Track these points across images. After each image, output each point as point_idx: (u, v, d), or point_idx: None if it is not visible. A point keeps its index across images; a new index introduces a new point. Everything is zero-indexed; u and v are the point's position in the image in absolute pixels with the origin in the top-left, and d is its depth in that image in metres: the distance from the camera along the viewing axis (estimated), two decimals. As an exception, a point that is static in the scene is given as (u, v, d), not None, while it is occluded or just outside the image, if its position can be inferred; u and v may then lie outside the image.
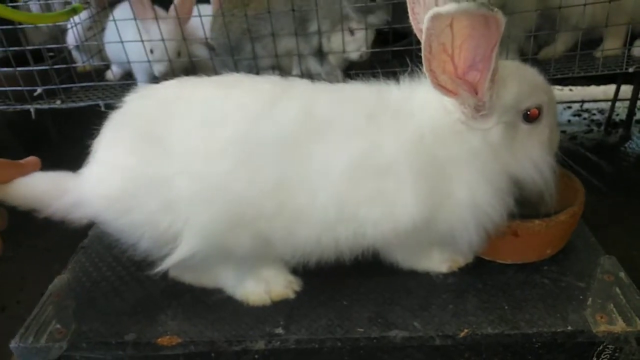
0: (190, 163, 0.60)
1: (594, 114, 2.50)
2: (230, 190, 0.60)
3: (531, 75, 0.66)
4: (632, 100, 2.27)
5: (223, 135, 0.60)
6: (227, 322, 0.68)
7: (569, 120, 2.47)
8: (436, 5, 0.60)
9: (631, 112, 2.29)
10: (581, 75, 1.08)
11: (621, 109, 2.37)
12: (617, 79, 2.26)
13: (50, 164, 0.68)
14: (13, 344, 0.66)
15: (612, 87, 2.38)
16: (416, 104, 0.64)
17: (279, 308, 0.69)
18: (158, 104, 0.65)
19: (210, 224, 0.60)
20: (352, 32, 1.01)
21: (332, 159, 0.60)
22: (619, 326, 0.63)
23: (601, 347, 0.64)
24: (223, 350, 0.66)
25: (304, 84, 0.68)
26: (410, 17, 0.66)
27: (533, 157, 0.65)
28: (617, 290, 0.68)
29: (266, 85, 0.66)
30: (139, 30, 1.09)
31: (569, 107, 2.58)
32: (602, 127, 2.36)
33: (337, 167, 0.60)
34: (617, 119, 2.40)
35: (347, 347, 0.65)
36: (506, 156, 0.64)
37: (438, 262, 0.73)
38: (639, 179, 1.98)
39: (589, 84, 2.50)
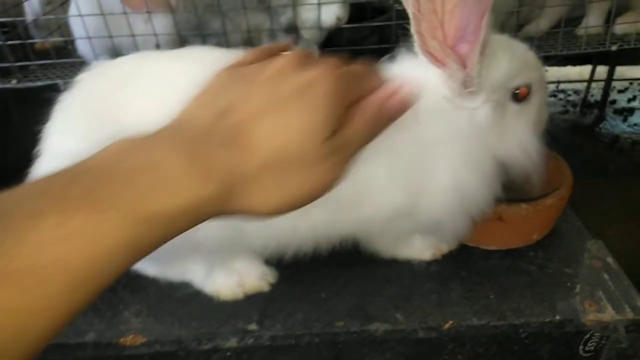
0: None
1: (570, 95, 2.51)
2: None
3: (522, 51, 0.62)
4: (607, 82, 2.27)
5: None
6: (195, 318, 0.63)
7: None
8: None
9: (606, 93, 2.30)
10: (563, 53, 1.05)
11: (596, 89, 2.38)
12: (593, 59, 2.26)
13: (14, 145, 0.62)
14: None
15: (587, 68, 2.39)
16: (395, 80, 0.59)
17: (252, 302, 0.65)
18: (112, 81, 0.59)
19: None
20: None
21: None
22: (608, 314, 0.61)
23: (588, 335, 0.62)
24: (192, 349, 0.61)
25: None
26: None
27: (521, 139, 0.61)
28: (606, 276, 0.66)
29: (218, 54, 0.61)
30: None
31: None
32: (578, 108, 2.37)
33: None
34: (592, 99, 2.41)
35: (326, 343, 0.61)
36: (493, 138, 0.60)
37: (420, 250, 0.69)
38: (612, 159, 2.00)
39: (564, 65, 2.49)
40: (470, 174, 0.59)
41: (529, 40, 1.08)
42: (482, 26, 0.52)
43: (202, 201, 0.35)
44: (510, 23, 1.12)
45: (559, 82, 2.54)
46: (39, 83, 1.13)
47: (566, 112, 2.36)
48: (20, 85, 1.13)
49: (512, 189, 0.66)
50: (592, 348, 0.64)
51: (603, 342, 0.63)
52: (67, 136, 0.57)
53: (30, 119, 0.64)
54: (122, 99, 0.57)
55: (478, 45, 0.54)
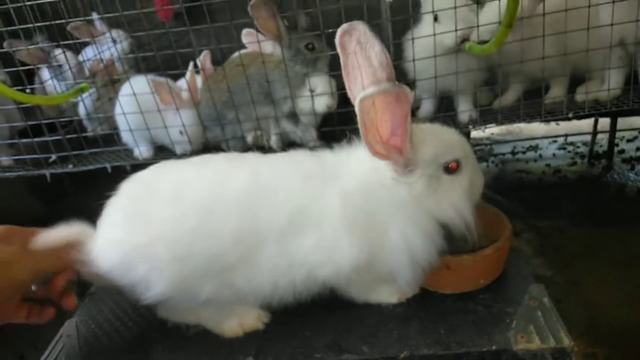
0: (164, 230, 0.74)
1: (579, 147, 2.61)
2: (196, 249, 0.73)
3: (446, 133, 0.80)
4: (611, 132, 2.38)
5: (187, 203, 0.75)
6: (206, 353, 0.80)
7: (554, 154, 2.59)
8: (362, 87, 0.74)
9: (611, 143, 2.40)
10: (527, 121, 1.21)
11: (604, 140, 2.48)
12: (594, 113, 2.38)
13: (69, 214, 0.82)
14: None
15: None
16: (345, 167, 0.78)
17: (250, 339, 0.81)
18: (142, 185, 0.80)
19: (182, 277, 0.74)
20: (312, 90, 1.17)
21: (275, 216, 0.74)
22: (535, 344, 0.74)
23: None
24: (203, 377, 0.78)
25: (254, 156, 0.83)
26: (349, 94, 0.80)
27: (455, 203, 0.78)
28: (539, 313, 0.79)
29: (222, 160, 0.82)
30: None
31: (555, 141, 2.70)
32: (586, 159, 2.47)
33: (279, 223, 0.74)
34: (600, 150, 2.51)
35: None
36: (431, 203, 0.77)
37: (387, 295, 0.85)
38: (619, 207, 2.08)
39: (570, 119, 2.62)
40: (415, 234, 0.76)
41: (497, 111, 1.26)
42: (407, 123, 0.71)
43: None
44: (481, 99, 1.30)
45: (566, 135, 2.66)
46: (91, 167, 1.38)
47: (574, 163, 2.47)
48: (75, 169, 1.39)
49: (457, 243, 0.82)
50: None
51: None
52: (112, 227, 0.78)
53: (82, 195, 0.85)
54: (147, 197, 0.78)
55: (407, 137, 0.72)
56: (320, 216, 0.75)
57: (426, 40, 1.11)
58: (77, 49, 1.56)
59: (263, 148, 1.28)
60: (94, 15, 1.62)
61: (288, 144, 1.30)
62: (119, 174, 0.84)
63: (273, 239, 0.75)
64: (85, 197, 0.87)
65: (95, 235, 0.79)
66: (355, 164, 0.79)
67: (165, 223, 0.74)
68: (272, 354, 0.79)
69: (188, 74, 1.27)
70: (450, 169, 0.78)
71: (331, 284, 0.79)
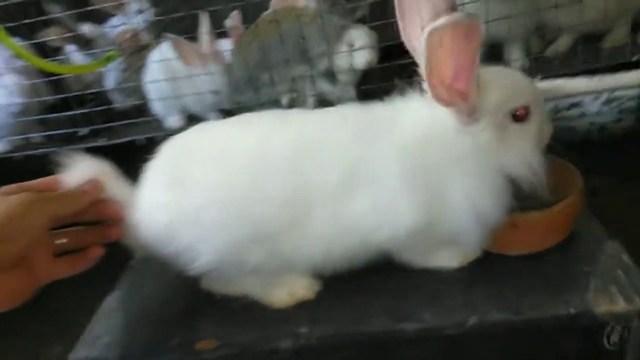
0: (211, 194, 0.69)
1: (624, 102, 2.46)
2: (245, 214, 0.68)
3: (514, 78, 0.72)
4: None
5: (234, 165, 0.70)
6: (255, 324, 0.75)
7: (598, 111, 2.44)
8: (421, 23, 0.66)
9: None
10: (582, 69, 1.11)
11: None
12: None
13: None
14: (72, 357, 0.76)
15: (641, 73, 2.34)
16: (402, 118, 0.71)
17: (302, 309, 0.76)
18: (184, 147, 0.75)
19: (229, 243, 0.69)
20: (351, 45, 1.09)
21: (325, 176, 0.68)
22: (620, 305, 0.66)
23: (609, 328, 0.68)
24: (254, 351, 0.73)
25: (299, 113, 0.77)
26: (404, 38, 0.72)
27: (524, 155, 0.70)
28: (619, 272, 0.71)
29: (265, 118, 0.76)
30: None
31: (597, 98, 2.54)
32: (632, 115, 2.32)
33: (330, 183, 0.68)
34: (647, 105, 2.35)
35: (365, 342, 0.72)
36: (498, 155, 0.69)
37: (448, 259, 0.78)
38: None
39: (616, 71, 2.46)
40: (481, 189, 0.69)
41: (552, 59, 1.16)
42: (474, 64, 0.63)
43: None
44: (533, 46, 1.20)
45: (611, 90, 2.50)
46: (123, 139, 1.34)
47: (620, 120, 2.32)
48: (109, 143, 1.35)
49: (525, 199, 0.74)
50: (616, 341, 0.69)
51: (626, 334, 0.69)
52: (155, 191, 0.73)
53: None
54: (191, 161, 0.72)
55: (474, 80, 0.65)
56: (375, 173, 0.68)
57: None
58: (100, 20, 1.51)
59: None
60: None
61: (326, 106, 1.22)
62: (150, 146, 0.79)
63: (324, 201, 0.69)
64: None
65: (136, 199, 0.74)
66: (411, 115, 0.71)
67: (212, 186, 0.69)
68: (326, 323, 0.73)
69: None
70: (519, 117, 0.70)
71: (387, 248, 0.73)
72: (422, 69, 0.69)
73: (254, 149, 0.71)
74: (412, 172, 0.68)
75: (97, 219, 0.73)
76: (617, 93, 2.54)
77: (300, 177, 0.69)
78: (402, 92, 0.75)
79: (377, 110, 0.74)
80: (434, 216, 0.70)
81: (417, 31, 0.68)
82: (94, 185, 0.71)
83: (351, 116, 0.74)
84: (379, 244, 0.71)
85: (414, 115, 0.71)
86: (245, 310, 0.78)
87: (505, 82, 0.70)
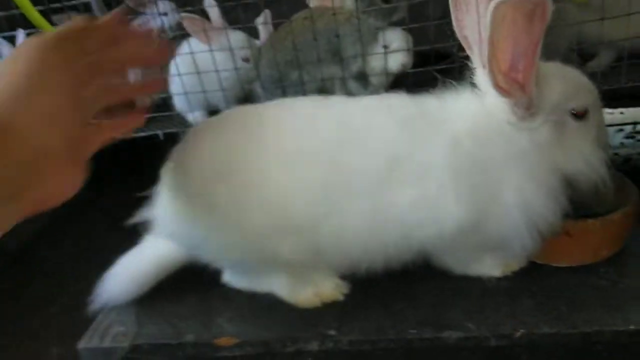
0: (247, 180, 0.65)
1: (649, 136, 2.42)
2: (284, 203, 0.64)
3: (575, 75, 0.67)
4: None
5: (273, 154, 0.65)
6: (280, 324, 0.69)
7: (622, 143, 2.40)
8: (477, 8, 0.62)
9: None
10: (629, 86, 1.06)
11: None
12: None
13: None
14: (80, 346, 0.70)
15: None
16: (453, 110, 0.66)
17: (329, 310, 0.70)
18: (214, 133, 0.70)
19: (265, 234, 0.64)
20: (386, 47, 1.05)
21: (368, 165, 0.63)
22: (685, 326, 0.60)
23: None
24: (277, 351, 0.67)
25: (341, 99, 0.73)
26: (455, 25, 0.68)
27: (584, 153, 0.65)
28: (682, 289, 0.66)
29: (305, 103, 0.72)
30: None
31: (621, 130, 2.50)
32: (659, 150, 2.28)
33: (373, 173, 0.63)
34: (674, 140, 2.31)
35: (400, 349, 0.65)
36: (556, 154, 0.64)
37: (490, 267, 0.72)
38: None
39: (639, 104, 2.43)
40: (535, 191, 0.63)
41: (592, 75, 1.12)
42: (536, 52, 0.59)
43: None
44: (572, 59, 1.16)
45: (635, 122, 2.47)
46: (142, 134, 1.30)
47: (645, 151, 2.28)
48: (127, 137, 1.31)
49: (581, 206, 0.69)
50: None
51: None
52: (179, 190, 0.69)
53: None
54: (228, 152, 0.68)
55: (533, 70, 0.60)
56: (422, 166, 0.63)
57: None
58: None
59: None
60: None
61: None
62: (169, 143, 0.75)
63: (364, 191, 0.64)
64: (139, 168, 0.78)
65: (160, 191, 0.70)
66: (462, 107, 0.67)
67: (247, 176, 0.65)
68: (356, 327, 0.67)
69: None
70: (578, 115, 0.65)
71: (429, 248, 0.68)
72: (477, 57, 0.65)
73: (292, 134, 0.66)
74: (461, 167, 0.63)
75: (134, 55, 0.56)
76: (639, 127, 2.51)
77: (340, 165, 0.64)
78: (447, 88, 0.70)
79: (426, 102, 0.69)
80: (482, 215, 0.64)
81: (471, 19, 0.64)
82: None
83: (398, 105, 0.69)
84: (422, 242, 0.65)
85: (466, 107, 0.66)
86: (268, 309, 0.72)
87: (567, 79, 0.65)
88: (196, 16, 1.13)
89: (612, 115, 2.63)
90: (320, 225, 0.64)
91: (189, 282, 0.78)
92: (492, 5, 0.54)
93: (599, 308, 0.65)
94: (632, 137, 2.44)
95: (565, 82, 0.65)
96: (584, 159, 0.64)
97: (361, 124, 0.67)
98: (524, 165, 0.64)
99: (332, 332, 0.67)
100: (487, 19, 0.55)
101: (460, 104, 0.67)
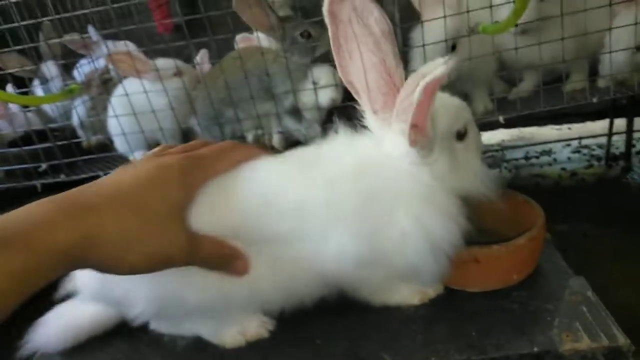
0: None
1: (594, 150, 2.52)
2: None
3: (448, 98, 0.72)
4: (628, 133, 2.29)
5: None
6: (205, 366, 0.70)
7: (569, 158, 2.49)
8: (362, 62, 0.65)
9: (629, 144, 2.30)
10: (546, 110, 1.12)
11: (620, 142, 2.39)
12: (609, 113, 2.30)
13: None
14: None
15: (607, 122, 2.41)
16: (338, 151, 0.69)
17: (254, 349, 0.71)
18: None
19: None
20: (315, 83, 1.09)
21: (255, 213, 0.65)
22: (584, 343, 0.63)
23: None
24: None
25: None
26: (340, 73, 0.69)
27: (474, 168, 0.70)
28: (584, 309, 0.69)
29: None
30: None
31: (568, 145, 2.60)
32: (602, 162, 2.37)
33: (263, 221, 0.65)
34: (617, 152, 2.41)
35: (321, 385, 0.67)
36: (450, 178, 0.68)
37: (408, 296, 0.74)
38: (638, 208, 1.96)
39: (584, 121, 2.53)
40: (434, 216, 0.66)
41: (515, 101, 1.18)
42: (432, 102, 0.62)
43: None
44: (497, 87, 1.22)
45: (580, 138, 2.56)
46: (83, 175, 1.30)
47: (591, 166, 2.36)
48: (67, 179, 1.31)
49: (486, 233, 0.72)
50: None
51: (592, 374, 0.65)
52: None
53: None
54: None
55: (429, 114, 0.64)
56: (304, 206, 0.65)
57: (437, 23, 1.04)
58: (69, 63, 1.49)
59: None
60: (91, 30, 1.56)
61: (291, 143, 1.21)
62: None
63: (266, 242, 0.66)
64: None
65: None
66: (356, 150, 0.69)
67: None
68: (281, 365, 0.69)
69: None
70: (461, 135, 0.70)
71: (339, 283, 0.70)
72: (366, 102, 0.68)
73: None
74: (344, 202, 0.65)
75: None
76: (585, 142, 2.61)
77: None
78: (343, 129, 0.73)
79: (317, 146, 0.72)
80: (378, 244, 0.66)
81: (355, 67, 0.66)
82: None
83: (301, 153, 0.72)
84: (327, 278, 0.67)
85: (354, 148, 0.69)
86: (196, 351, 0.73)
87: (446, 105, 0.69)
88: (122, 50, 1.15)
89: (559, 131, 2.74)
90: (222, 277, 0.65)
91: (119, 327, 0.79)
92: (422, 84, 0.57)
93: (507, 332, 0.67)
94: (579, 152, 2.55)
95: (446, 109, 0.69)
96: (474, 174, 0.69)
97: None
98: (420, 194, 0.66)
99: (256, 372, 0.68)
100: (415, 94, 0.58)
101: (345, 146, 0.70)
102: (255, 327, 0.73)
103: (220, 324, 0.72)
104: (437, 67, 0.56)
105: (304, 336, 0.72)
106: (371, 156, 0.67)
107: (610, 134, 2.37)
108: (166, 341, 0.75)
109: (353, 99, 0.69)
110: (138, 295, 0.66)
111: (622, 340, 0.63)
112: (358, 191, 0.65)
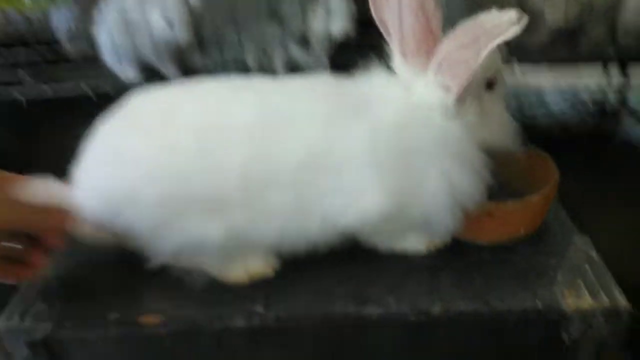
0: (151, 165, 0.63)
1: (586, 102, 2.52)
2: (192, 185, 0.62)
3: None
4: (622, 86, 2.28)
5: (178, 129, 0.63)
6: (206, 301, 0.69)
7: (561, 109, 2.49)
8: (399, 5, 0.61)
9: (621, 97, 2.31)
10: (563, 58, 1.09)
11: (613, 95, 2.39)
12: (605, 65, 2.27)
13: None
14: (-1, 325, 0.68)
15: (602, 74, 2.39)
16: (379, 96, 0.66)
17: (258, 287, 0.71)
18: (126, 114, 0.67)
19: (182, 224, 0.63)
20: (328, 9, 1.02)
21: (289, 155, 0.62)
22: (586, 301, 0.65)
23: (570, 323, 0.66)
24: (204, 328, 0.68)
25: (261, 80, 0.70)
26: (372, 8, 0.66)
27: (502, 120, 0.69)
28: (587, 267, 0.70)
29: (222, 84, 0.69)
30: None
31: (562, 98, 2.59)
32: (594, 114, 2.38)
33: (294, 163, 0.62)
34: (608, 106, 2.41)
35: (326, 325, 0.67)
36: (479, 130, 0.66)
37: (415, 243, 0.74)
38: (628, 164, 2.00)
39: (579, 71, 2.51)
40: (461, 172, 0.65)
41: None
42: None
43: None
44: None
45: (574, 89, 2.55)
46: (68, 89, 1.22)
47: (582, 118, 2.37)
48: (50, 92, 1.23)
49: (500, 187, 0.71)
50: (575, 336, 0.68)
51: (586, 330, 0.67)
52: (94, 168, 0.66)
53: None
54: (134, 131, 0.66)
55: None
56: (344, 156, 0.63)
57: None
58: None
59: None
60: None
61: (296, 73, 1.15)
62: (102, 102, 0.71)
63: (285, 181, 0.63)
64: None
65: (76, 176, 0.67)
66: (386, 95, 0.66)
67: (154, 159, 0.63)
68: (284, 303, 0.68)
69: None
70: (491, 84, 0.67)
71: (352, 232, 0.69)
72: (397, 44, 0.65)
73: (208, 117, 0.64)
74: (383, 158, 0.63)
75: (39, 229, 0.65)
76: (581, 95, 2.60)
77: (260, 154, 0.63)
78: (375, 68, 0.69)
79: (351, 86, 0.68)
80: (405, 202, 0.65)
81: (391, 5, 0.63)
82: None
83: (322, 89, 0.68)
84: (344, 228, 0.66)
85: (389, 96, 0.66)
86: (194, 285, 0.72)
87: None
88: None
89: (554, 79, 2.71)
90: (238, 210, 0.63)
91: (111, 255, 0.76)
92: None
93: (511, 285, 0.68)
94: (571, 102, 2.54)
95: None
96: (501, 125, 0.67)
97: (282, 108, 0.65)
98: (451, 149, 0.64)
99: (259, 309, 0.68)
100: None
101: (386, 91, 0.66)
102: (260, 266, 0.72)
103: (226, 260, 0.71)
104: (506, 26, 0.52)
105: (308, 277, 0.72)
106: (408, 108, 0.64)
107: (606, 86, 2.36)
108: (161, 272, 0.73)
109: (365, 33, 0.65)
110: (159, 234, 0.64)
111: (621, 301, 0.65)
112: (398, 147, 0.63)
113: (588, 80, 2.42)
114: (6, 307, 0.70)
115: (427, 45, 0.63)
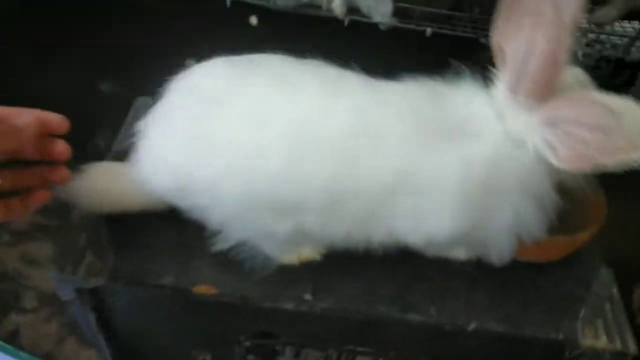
0: (237, 163, 0.61)
1: (607, 49, 2.43)
2: (277, 190, 0.62)
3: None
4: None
5: (271, 134, 0.60)
6: (258, 281, 0.72)
7: (580, 53, 2.41)
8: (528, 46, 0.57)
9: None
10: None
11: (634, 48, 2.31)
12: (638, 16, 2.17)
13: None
14: (51, 273, 0.69)
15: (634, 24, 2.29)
16: (475, 123, 0.64)
17: (307, 274, 0.74)
18: (206, 95, 0.63)
19: (255, 219, 0.65)
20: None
21: (376, 172, 0.62)
22: (602, 342, 0.72)
23: (581, 356, 0.74)
24: (255, 305, 0.71)
25: (356, 81, 0.66)
26: (495, 33, 0.61)
27: None
28: (608, 306, 0.76)
29: (315, 81, 0.64)
30: None
31: (584, 36, 2.49)
32: (610, 66, 2.32)
33: (379, 181, 0.62)
34: (629, 59, 2.35)
35: (368, 321, 0.73)
36: (564, 172, 0.65)
37: (457, 251, 0.77)
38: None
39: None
40: (533, 212, 0.66)
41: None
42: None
43: None
44: None
45: (600, 32, 2.45)
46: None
47: (599, 67, 2.31)
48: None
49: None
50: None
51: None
52: (166, 145, 0.64)
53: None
54: (215, 114, 0.62)
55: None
56: (429, 183, 0.63)
57: None
58: None
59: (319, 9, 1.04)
60: None
61: (350, 12, 1.06)
62: None
63: (364, 197, 0.63)
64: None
65: (144, 142, 0.65)
66: (483, 121, 0.64)
67: (243, 156, 0.61)
68: (331, 294, 0.73)
69: None
70: None
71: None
72: (508, 78, 0.62)
73: (302, 125, 0.61)
74: (467, 191, 0.63)
75: (40, 159, 0.58)
76: (602, 38, 2.50)
77: (345, 167, 0.62)
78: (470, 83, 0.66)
79: (447, 101, 0.65)
80: (474, 228, 0.67)
81: (518, 40, 0.58)
82: (39, 119, 0.56)
83: (417, 101, 0.65)
84: (407, 244, 0.69)
85: (489, 126, 0.63)
86: (252, 266, 0.73)
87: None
88: None
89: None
90: (312, 214, 0.64)
91: (172, 217, 0.75)
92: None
93: (540, 312, 0.74)
94: (590, 45, 2.45)
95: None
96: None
97: (376, 124, 0.63)
98: (532, 190, 0.65)
99: (308, 297, 0.72)
100: None
101: (481, 119, 0.64)
102: (309, 249, 0.75)
103: (282, 245, 0.73)
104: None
105: (353, 273, 0.75)
106: (503, 145, 0.63)
107: (633, 37, 2.28)
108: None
109: None
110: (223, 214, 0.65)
111: (632, 346, 0.73)
112: (484, 184, 0.62)
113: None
114: (60, 255, 0.70)
115: (543, 93, 0.60)
